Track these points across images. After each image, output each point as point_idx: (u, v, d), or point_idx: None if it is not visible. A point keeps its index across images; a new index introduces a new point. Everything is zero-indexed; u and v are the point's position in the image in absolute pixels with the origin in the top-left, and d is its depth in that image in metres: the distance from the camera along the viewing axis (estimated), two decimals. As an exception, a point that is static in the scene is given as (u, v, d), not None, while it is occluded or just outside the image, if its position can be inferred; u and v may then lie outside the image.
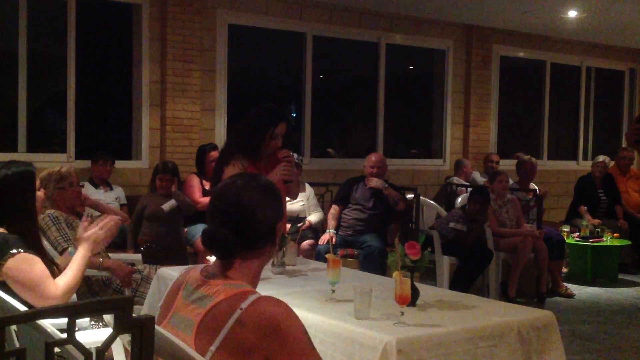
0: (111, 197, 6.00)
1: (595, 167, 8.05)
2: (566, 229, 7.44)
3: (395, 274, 2.71)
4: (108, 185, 6.10)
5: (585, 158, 9.71)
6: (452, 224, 6.24)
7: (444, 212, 6.86)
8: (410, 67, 9.18)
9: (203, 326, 1.77)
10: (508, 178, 6.84)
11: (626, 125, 10.31)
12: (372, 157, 6.04)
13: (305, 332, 1.79)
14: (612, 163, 8.54)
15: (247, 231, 1.87)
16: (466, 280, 5.96)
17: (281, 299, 1.85)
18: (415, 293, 2.92)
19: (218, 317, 1.76)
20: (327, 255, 3.04)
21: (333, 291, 2.98)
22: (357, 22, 7.74)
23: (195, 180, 5.95)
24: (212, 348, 1.74)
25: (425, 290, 3.21)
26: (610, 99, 10.28)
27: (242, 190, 1.90)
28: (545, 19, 8.08)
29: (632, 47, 9.84)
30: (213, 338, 1.74)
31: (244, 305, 1.74)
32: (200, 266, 1.99)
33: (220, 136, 6.87)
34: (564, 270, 7.46)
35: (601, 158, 8.13)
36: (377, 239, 5.75)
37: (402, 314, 2.65)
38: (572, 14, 7.67)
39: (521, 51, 9.04)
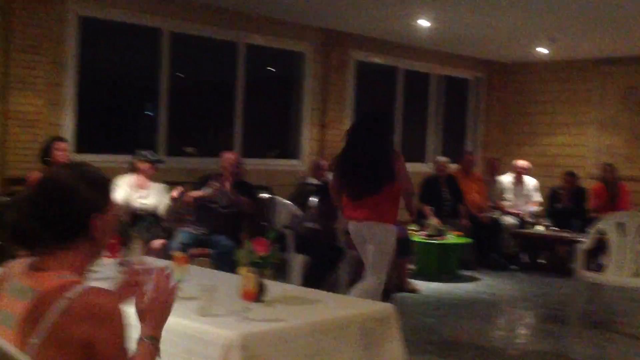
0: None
1: (439, 168, 8.52)
2: (413, 227, 7.80)
3: (240, 269, 2.74)
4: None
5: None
6: (307, 223, 6.37)
7: (298, 212, 6.96)
8: (270, 69, 9.26)
9: (26, 319, 1.71)
10: None
11: (470, 129, 10.95)
12: (227, 156, 6.03)
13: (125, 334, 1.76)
14: (456, 165, 9.06)
15: (53, 221, 1.78)
16: (318, 277, 6.09)
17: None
18: (262, 289, 2.96)
19: (41, 309, 1.69)
20: (173, 252, 3.02)
21: (179, 288, 2.96)
22: (216, 20, 7.70)
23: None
24: (35, 340, 1.68)
25: (274, 287, 3.27)
26: (456, 105, 10.88)
27: (61, 178, 1.82)
28: (399, 27, 8.41)
29: (478, 57, 10.46)
30: (36, 330, 1.69)
31: (71, 295, 1.70)
32: (24, 259, 1.88)
33: (67, 132, 6.59)
34: (411, 267, 7.81)
35: (442, 159, 8.62)
36: (230, 238, 5.76)
37: (248, 309, 2.68)
38: (424, 23, 8.04)
39: (376, 57, 9.36)
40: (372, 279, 4.82)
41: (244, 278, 2.69)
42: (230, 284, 3.14)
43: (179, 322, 2.65)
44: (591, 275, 5.99)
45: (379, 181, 4.74)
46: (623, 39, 8.67)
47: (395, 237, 5.03)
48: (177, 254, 2.99)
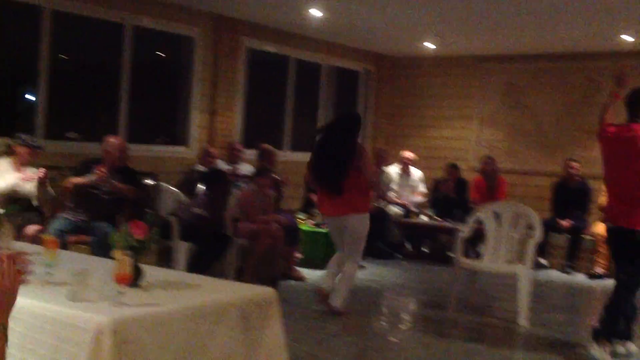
0: None
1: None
2: (302, 216, 7.84)
3: (116, 253, 2.65)
4: None
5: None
6: (196, 209, 6.27)
7: (184, 199, 6.85)
8: (159, 53, 9.03)
9: None
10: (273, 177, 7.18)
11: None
12: (110, 141, 5.83)
13: None
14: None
15: None
16: (203, 265, 6.01)
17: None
18: (138, 273, 2.88)
19: None
20: (43, 236, 2.88)
21: (49, 274, 2.83)
22: (101, 0, 7.41)
23: None
24: None
25: (152, 272, 3.19)
26: (346, 97, 11.02)
27: None
28: (291, 16, 8.41)
29: (367, 49, 10.63)
30: None
31: None
32: None
33: None
34: (298, 255, 7.85)
35: None
36: (112, 225, 5.57)
37: (122, 294, 2.60)
38: (316, 13, 8.07)
39: (268, 45, 9.32)
40: (351, 264, 5.69)
41: (118, 261, 2.60)
42: (105, 269, 3.01)
43: (48, 307, 2.55)
44: (469, 263, 6.22)
45: (344, 175, 5.49)
46: (503, 37, 9.06)
47: (368, 220, 5.72)
48: (47, 237, 2.85)
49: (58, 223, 5.59)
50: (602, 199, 8.41)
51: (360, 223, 5.62)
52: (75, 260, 3.36)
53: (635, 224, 4.59)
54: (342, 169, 5.50)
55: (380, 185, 5.75)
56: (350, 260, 5.70)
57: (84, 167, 5.84)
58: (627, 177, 4.66)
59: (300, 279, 7.05)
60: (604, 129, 4.85)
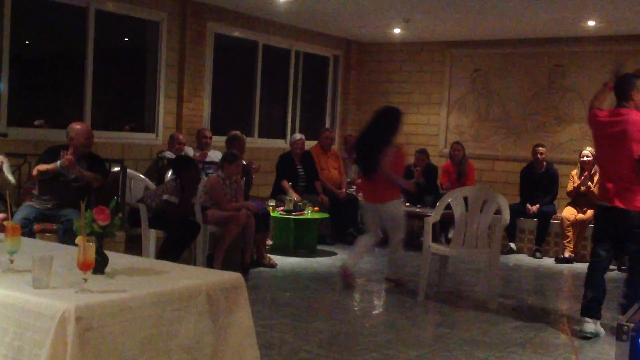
0: None
1: (295, 145, 8.57)
2: (272, 203, 7.80)
3: (79, 239, 2.59)
4: None
5: (293, 137, 10.27)
6: (165, 196, 6.20)
7: (152, 186, 6.77)
8: (125, 38, 8.87)
9: None
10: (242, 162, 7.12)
11: (329, 107, 11.10)
12: (75, 127, 5.71)
13: None
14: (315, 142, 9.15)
15: None
16: (173, 253, 5.95)
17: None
18: (103, 260, 2.82)
19: None
20: (4, 223, 2.80)
21: (12, 261, 2.76)
22: (62, -16, 7.27)
23: None
24: None
25: (118, 258, 3.13)
26: (316, 83, 10.98)
27: None
28: (258, 1, 8.33)
29: (336, 35, 10.59)
30: None
31: None
32: None
33: None
34: (269, 242, 7.82)
35: (298, 136, 8.68)
36: (78, 212, 5.46)
37: (86, 280, 2.54)
38: (282, -3, 8.01)
39: (235, 30, 9.22)
40: (396, 237, 6.37)
41: (81, 248, 2.54)
42: (69, 256, 2.96)
43: (11, 295, 2.49)
44: (439, 248, 6.24)
45: (374, 167, 6.19)
46: (470, 23, 9.09)
47: (401, 204, 6.63)
48: (9, 224, 2.77)
49: (24, 211, 5.48)
50: (570, 183, 8.52)
51: (395, 208, 6.33)
52: (39, 247, 3.29)
53: (630, 204, 4.82)
54: (372, 162, 6.20)
55: (394, 178, 6.27)
56: (394, 241, 6.41)
57: (50, 154, 5.72)
58: (620, 158, 4.86)
59: (271, 265, 7.03)
60: (595, 113, 5.08)
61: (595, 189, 8.30)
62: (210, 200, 6.72)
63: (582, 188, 8.31)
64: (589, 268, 5.15)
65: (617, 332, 1.60)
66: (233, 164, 6.78)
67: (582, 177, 8.32)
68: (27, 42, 7.53)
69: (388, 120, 6.31)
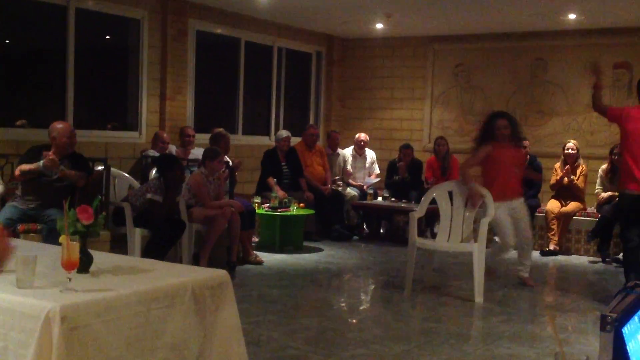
0: None
1: (282, 142, 8.55)
2: (257, 200, 7.79)
3: (62, 238, 2.57)
4: None
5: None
6: (149, 195, 6.16)
7: (136, 184, 6.73)
8: (106, 36, 8.81)
9: None
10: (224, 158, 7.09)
11: (313, 103, 11.09)
12: (57, 126, 5.66)
13: None
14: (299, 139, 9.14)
15: None
16: (158, 252, 5.91)
17: None
18: (87, 259, 2.80)
19: None
20: (-14, 223, 2.77)
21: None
22: (43, -17, 7.20)
23: None
24: None
25: (102, 257, 3.11)
26: (299, 79, 10.96)
27: None
28: (239, -3, 8.30)
29: (318, 30, 10.57)
30: None
31: None
32: None
33: None
34: (255, 239, 7.81)
35: (285, 134, 8.65)
36: (62, 212, 5.41)
37: (70, 280, 2.52)
38: (264, -6, 7.98)
39: (217, 27, 9.18)
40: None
41: (65, 247, 2.52)
42: (53, 255, 2.93)
43: (-6, 296, 2.46)
44: (424, 242, 6.26)
45: None
46: (453, 17, 9.10)
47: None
48: (-9, 224, 2.75)
49: (7, 211, 5.43)
50: (553, 176, 8.57)
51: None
52: (23, 248, 3.24)
53: None
54: None
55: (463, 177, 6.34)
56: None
57: (32, 154, 5.66)
58: None
59: (257, 262, 7.01)
60: (617, 110, 5.91)
61: (578, 182, 8.36)
62: (194, 198, 6.69)
63: (566, 180, 8.37)
64: (624, 253, 5.78)
65: (601, 323, 1.60)
66: (215, 160, 6.75)
67: (565, 170, 8.37)
68: (7, 41, 7.45)
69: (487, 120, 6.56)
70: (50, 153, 5.46)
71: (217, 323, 2.85)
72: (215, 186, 6.80)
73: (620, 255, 7.74)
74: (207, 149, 7.07)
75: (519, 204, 6.34)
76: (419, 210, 6.25)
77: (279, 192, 7.97)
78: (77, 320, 2.32)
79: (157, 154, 7.49)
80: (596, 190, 8.27)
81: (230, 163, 7.51)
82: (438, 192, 6.30)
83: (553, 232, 8.34)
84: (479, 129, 6.59)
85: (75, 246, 2.55)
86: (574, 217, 8.42)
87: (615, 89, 9.05)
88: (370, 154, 9.77)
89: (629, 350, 1.62)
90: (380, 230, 9.33)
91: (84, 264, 2.74)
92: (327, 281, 6.60)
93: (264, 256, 7.28)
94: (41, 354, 2.25)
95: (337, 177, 9.40)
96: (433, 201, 6.27)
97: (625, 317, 1.65)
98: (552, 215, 8.35)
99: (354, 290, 6.53)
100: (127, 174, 7.07)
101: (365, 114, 11.04)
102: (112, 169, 6.57)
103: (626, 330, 1.64)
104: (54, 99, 7.85)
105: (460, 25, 9.60)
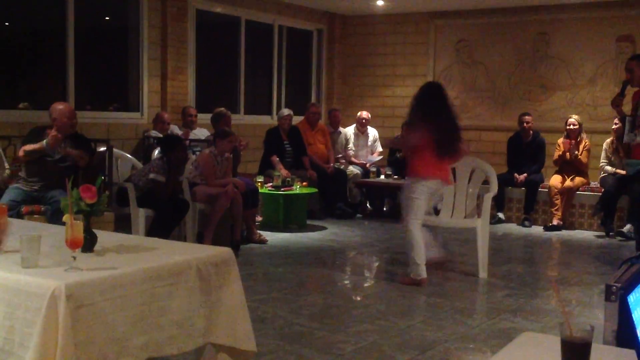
0: None
1: (283, 121, 8.53)
2: (260, 179, 7.78)
3: (66, 217, 2.57)
4: None
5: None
6: (152, 175, 6.16)
7: (139, 165, 6.73)
8: (106, 17, 8.76)
9: None
10: (237, 138, 7.11)
11: (315, 81, 11.04)
12: (58, 107, 5.65)
13: None
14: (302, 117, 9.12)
15: None
16: (162, 231, 5.93)
17: None
18: (91, 238, 2.81)
19: None
20: (-10, 203, 2.77)
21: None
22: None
23: None
24: None
25: (107, 237, 3.12)
26: (301, 57, 10.91)
27: None
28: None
29: (319, 8, 10.50)
30: None
31: None
32: None
33: None
34: (259, 218, 7.81)
35: (286, 112, 8.63)
36: (65, 193, 5.42)
37: (75, 259, 2.52)
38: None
39: (217, 6, 9.12)
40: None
41: (69, 226, 2.52)
42: (58, 235, 2.94)
43: (1, 275, 2.46)
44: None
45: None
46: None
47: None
48: (-5, 205, 2.75)
49: (11, 193, 5.44)
50: (556, 152, 8.54)
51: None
52: (27, 228, 3.25)
53: None
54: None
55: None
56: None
57: (35, 134, 5.66)
58: None
59: (261, 241, 7.03)
60: None
61: (581, 157, 8.34)
62: (200, 176, 6.69)
63: (568, 155, 8.34)
64: None
65: (606, 293, 1.60)
66: (225, 140, 6.74)
67: (569, 145, 8.34)
68: (6, 23, 7.41)
69: (417, 94, 5.92)
70: (53, 130, 5.47)
71: (222, 300, 2.85)
72: (222, 166, 6.79)
73: (624, 229, 7.74)
74: (219, 129, 7.07)
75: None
76: (422, 187, 6.21)
77: (282, 171, 7.96)
78: (83, 298, 2.33)
79: (160, 135, 7.48)
80: (601, 164, 8.26)
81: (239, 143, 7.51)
82: (441, 169, 6.26)
83: (556, 207, 8.34)
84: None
85: (79, 225, 2.55)
86: (578, 192, 8.41)
87: (618, 62, 8.99)
88: (372, 132, 9.74)
89: (634, 319, 1.62)
90: (383, 207, 9.33)
91: (89, 243, 2.74)
92: (331, 259, 6.61)
93: (268, 235, 7.29)
94: (47, 332, 2.26)
95: (339, 155, 9.39)
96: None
97: (630, 285, 1.65)
98: (556, 190, 8.34)
99: (358, 267, 6.54)
100: (130, 154, 7.07)
101: (367, 91, 10.99)
102: (115, 150, 6.57)
103: (631, 298, 1.64)
104: (55, 81, 7.83)
105: (462, 0, 9.52)
